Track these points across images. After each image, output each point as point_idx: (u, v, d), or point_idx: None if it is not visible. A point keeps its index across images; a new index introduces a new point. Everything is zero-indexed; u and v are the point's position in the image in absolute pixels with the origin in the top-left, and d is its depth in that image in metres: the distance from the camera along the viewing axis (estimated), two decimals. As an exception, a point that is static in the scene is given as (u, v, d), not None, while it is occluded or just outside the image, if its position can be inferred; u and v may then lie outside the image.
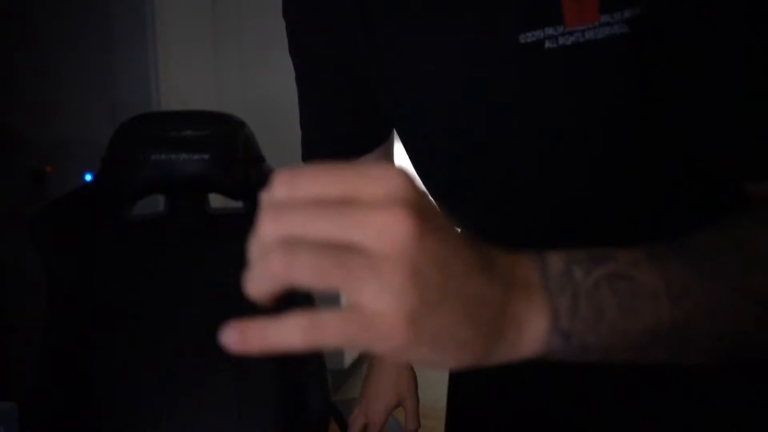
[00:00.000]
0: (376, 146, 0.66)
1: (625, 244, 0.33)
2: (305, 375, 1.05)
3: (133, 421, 1.04)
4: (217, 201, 1.20)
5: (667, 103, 0.44)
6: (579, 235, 0.48)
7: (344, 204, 0.25)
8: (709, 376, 0.46)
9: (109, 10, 1.92)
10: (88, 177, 1.80)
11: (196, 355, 1.08)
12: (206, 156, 1.10)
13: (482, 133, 0.50)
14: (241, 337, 0.25)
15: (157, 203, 1.29)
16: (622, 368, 0.45)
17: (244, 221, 0.93)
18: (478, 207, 0.55)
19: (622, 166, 0.48)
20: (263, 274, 0.25)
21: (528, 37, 0.44)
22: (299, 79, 0.64)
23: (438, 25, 0.48)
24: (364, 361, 3.23)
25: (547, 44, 0.44)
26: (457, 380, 0.64)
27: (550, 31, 0.44)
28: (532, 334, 0.28)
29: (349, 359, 2.82)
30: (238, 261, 0.30)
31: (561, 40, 0.43)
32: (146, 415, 1.05)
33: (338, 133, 0.65)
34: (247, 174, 1.11)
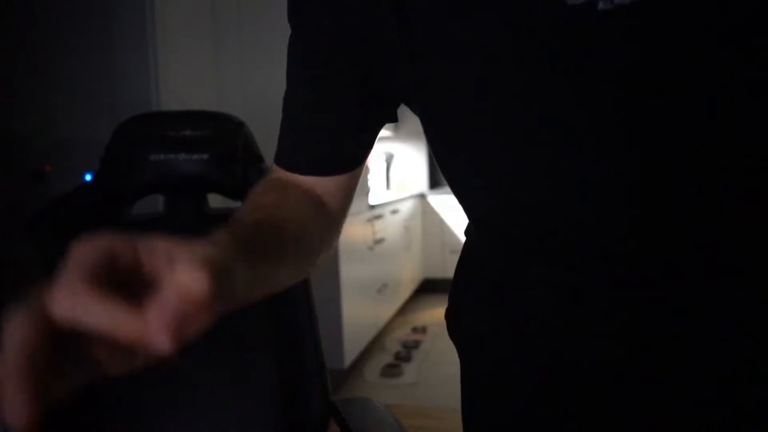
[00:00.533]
0: (351, 168, 0.61)
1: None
2: (305, 375, 1.05)
3: (133, 421, 1.04)
4: (216, 201, 1.20)
5: None
6: (657, 236, 0.42)
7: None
8: (715, 379, 0.44)
9: (109, 10, 1.92)
10: (88, 177, 1.80)
11: (196, 355, 1.08)
12: (205, 156, 1.10)
13: (533, 119, 0.43)
14: None
15: (156, 203, 1.29)
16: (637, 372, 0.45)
17: (244, 221, 0.93)
18: (538, 208, 0.47)
19: (722, 147, 0.39)
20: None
21: None
22: (295, 74, 0.59)
23: (475, 2, 0.43)
24: (364, 361, 3.23)
25: (601, 5, 0.38)
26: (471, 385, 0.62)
27: None
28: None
29: (349, 359, 2.82)
30: (236, 261, 0.30)
31: None
32: (146, 415, 1.05)
33: (319, 147, 0.59)
34: (246, 174, 1.11)
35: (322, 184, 0.61)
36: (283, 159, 0.61)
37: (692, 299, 0.42)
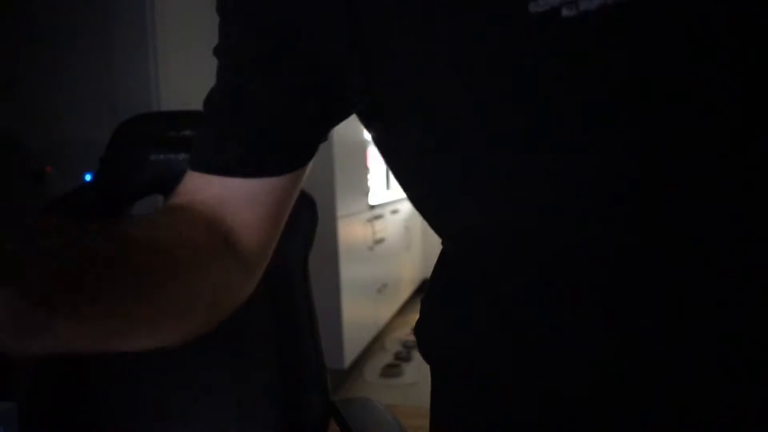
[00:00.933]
0: (297, 167, 0.51)
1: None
2: (305, 375, 1.05)
3: (133, 421, 1.04)
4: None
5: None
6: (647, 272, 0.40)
7: None
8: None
9: (109, 10, 1.92)
10: (88, 177, 1.80)
11: (196, 355, 1.08)
12: (206, 156, 1.10)
13: (502, 137, 0.40)
14: None
15: (156, 203, 1.29)
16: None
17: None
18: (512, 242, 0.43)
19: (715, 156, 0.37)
20: None
21: (539, 5, 0.36)
22: (231, 66, 0.50)
23: (438, 10, 0.40)
24: (364, 362, 3.23)
25: (565, 11, 0.35)
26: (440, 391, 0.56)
27: None
28: None
29: (349, 359, 2.82)
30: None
31: (583, 5, 0.35)
32: (146, 415, 1.05)
33: (250, 141, 0.49)
34: (246, 174, 1.11)
35: (237, 214, 0.50)
36: (204, 159, 0.51)
37: (693, 322, 0.40)
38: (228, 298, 0.49)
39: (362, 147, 3.32)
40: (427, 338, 0.55)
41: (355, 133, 3.11)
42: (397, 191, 3.94)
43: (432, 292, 0.56)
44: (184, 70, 2.04)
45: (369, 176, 3.48)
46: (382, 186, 3.96)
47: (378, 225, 3.46)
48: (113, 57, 1.94)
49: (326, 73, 0.47)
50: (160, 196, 1.17)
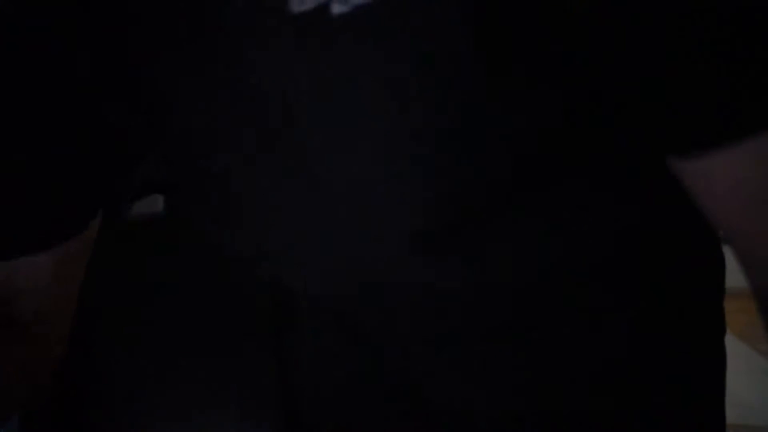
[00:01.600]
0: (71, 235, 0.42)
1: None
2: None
3: (133, 420, 1.04)
4: (216, 201, 1.19)
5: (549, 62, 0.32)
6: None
7: None
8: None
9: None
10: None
11: (196, 355, 1.08)
12: (206, 156, 1.10)
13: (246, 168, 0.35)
14: None
15: (156, 203, 1.29)
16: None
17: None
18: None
19: (484, 173, 0.35)
20: None
21: (304, 3, 0.30)
22: None
23: (189, 24, 0.34)
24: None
25: (336, 8, 0.30)
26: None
27: None
28: None
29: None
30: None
31: None
32: (145, 414, 1.05)
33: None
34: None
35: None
36: None
37: None
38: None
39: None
40: None
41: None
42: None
43: None
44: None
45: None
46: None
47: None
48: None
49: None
50: (160, 196, 1.17)
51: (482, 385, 0.42)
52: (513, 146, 0.33)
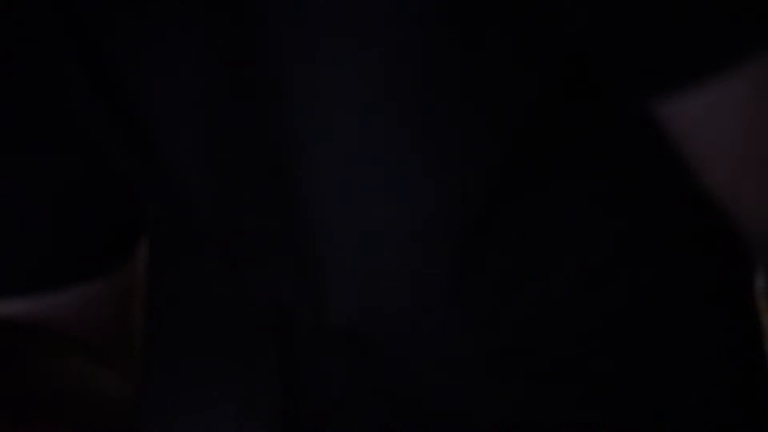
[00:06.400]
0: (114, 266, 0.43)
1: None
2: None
3: (133, 420, 1.04)
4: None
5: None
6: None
7: None
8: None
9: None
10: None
11: (196, 355, 1.08)
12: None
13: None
14: None
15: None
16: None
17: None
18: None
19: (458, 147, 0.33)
20: None
21: None
22: None
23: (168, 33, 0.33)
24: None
25: None
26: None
27: None
28: None
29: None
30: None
31: None
32: (145, 414, 1.05)
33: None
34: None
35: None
36: None
37: None
38: None
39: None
40: None
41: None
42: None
43: None
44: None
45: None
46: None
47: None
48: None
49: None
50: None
51: (485, 397, 0.41)
52: (503, 129, 0.33)
